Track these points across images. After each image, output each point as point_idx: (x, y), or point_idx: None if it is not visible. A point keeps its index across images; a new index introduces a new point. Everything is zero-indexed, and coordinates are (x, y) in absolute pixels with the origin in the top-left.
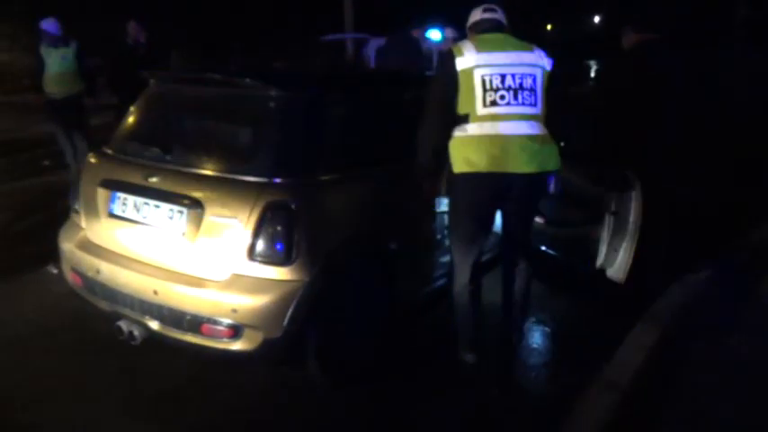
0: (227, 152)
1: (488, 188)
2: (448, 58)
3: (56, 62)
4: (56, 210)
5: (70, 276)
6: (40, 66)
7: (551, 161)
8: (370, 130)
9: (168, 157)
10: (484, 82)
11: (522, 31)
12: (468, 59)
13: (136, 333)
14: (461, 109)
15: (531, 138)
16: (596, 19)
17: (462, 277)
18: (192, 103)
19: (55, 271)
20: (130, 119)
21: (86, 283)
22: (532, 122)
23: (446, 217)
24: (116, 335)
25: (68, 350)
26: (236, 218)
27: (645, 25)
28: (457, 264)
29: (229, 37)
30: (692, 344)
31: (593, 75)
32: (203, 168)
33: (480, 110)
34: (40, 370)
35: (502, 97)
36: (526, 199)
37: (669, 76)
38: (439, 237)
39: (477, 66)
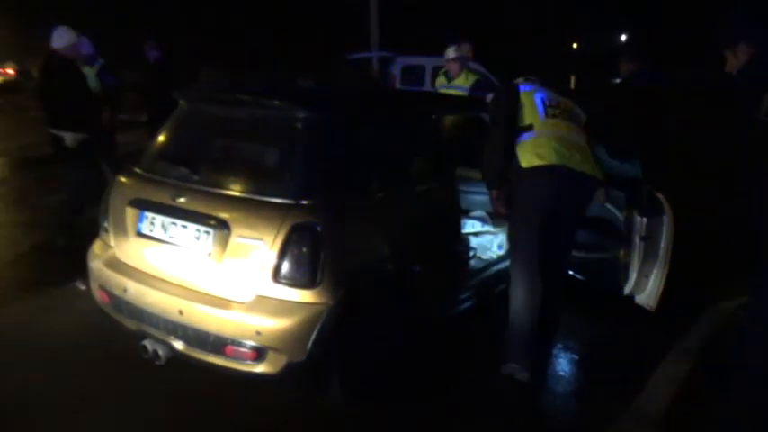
0: (255, 173)
1: (556, 180)
2: (512, 87)
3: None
4: (85, 226)
5: (98, 294)
6: None
7: (598, 171)
8: (396, 151)
9: (196, 177)
10: (543, 101)
11: (548, 49)
12: (527, 87)
13: (160, 352)
14: (525, 122)
15: (583, 145)
16: (623, 37)
17: (523, 293)
18: (220, 123)
19: (83, 287)
20: (160, 138)
21: (113, 301)
22: (581, 135)
23: (473, 238)
24: (141, 353)
25: (93, 368)
26: (261, 239)
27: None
28: (519, 276)
29: (257, 53)
30: (724, 376)
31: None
32: (230, 189)
33: (543, 119)
34: (65, 386)
35: (561, 113)
36: (577, 203)
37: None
38: (464, 259)
39: (536, 90)
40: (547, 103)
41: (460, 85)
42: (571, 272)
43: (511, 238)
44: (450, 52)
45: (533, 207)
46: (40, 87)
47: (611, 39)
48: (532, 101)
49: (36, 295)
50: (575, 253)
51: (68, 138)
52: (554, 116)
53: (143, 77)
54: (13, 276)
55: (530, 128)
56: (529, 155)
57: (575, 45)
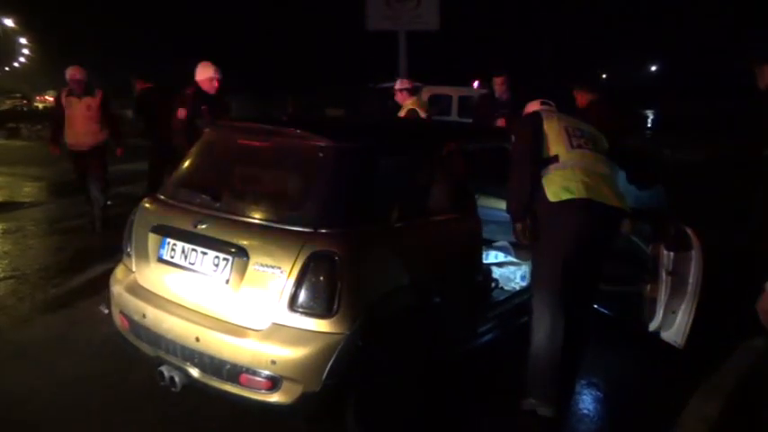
0: (275, 201)
1: (584, 214)
2: (535, 117)
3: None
4: (110, 250)
5: (118, 318)
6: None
7: (624, 201)
8: (417, 181)
9: (218, 205)
10: (567, 129)
11: (575, 79)
12: (550, 115)
13: (177, 379)
14: (551, 152)
15: (609, 175)
16: (653, 68)
17: (545, 327)
18: (243, 151)
19: (106, 311)
20: (184, 165)
21: (132, 326)
22: (607, 164)
23: (496, 269)
24: (158, 380)
25: (110, 395)
26: (279, 267)
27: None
28: (542, 309)
29: (285, 83)
30: (755, 415)
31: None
32: (250, 216)
33: (569, 149)
34: (81, 412)
35: (585, 142)
36: (605, 236)
37: None
38: (485, 291)
39: (560, 119)
40: (570, 131)
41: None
42: (597, 306)
43: (534, 271)
44: (397, 84)
45: (560, 241)
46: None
47: (640, 69)
48: (557, 130)
49: (62, 316)
50: (601, 286)
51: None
52: (579, 146)
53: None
54: (40, 296)
55: (555, 158)
56: (556, 187)
57: (603, 75)
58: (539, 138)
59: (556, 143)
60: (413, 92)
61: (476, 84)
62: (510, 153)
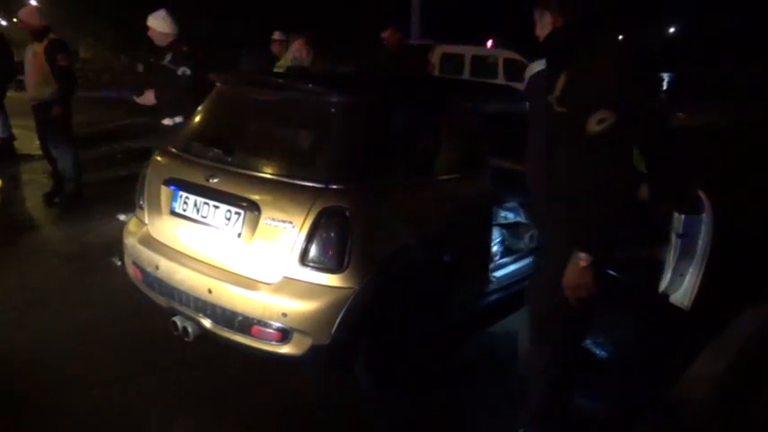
0: (287, 156)
1: None
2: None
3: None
4: (121, 202)
5: (131, 270)
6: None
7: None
8: (429, 139)
9: (230, 159)
10: None
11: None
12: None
13: (189, 330)
14: None
15: None
16: (671, 29)
17: None
18: (255, 106)
19: (119, 263)
20: (196, 119)
21: (146, 277)
22: None
23: (501, 230)
24: (171, 330)
25: (124, 341)
26: (291, 222)
27: None
28: None
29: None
30: (759, 377)
31: (665, 87)
32: (262, 171)
33: None
34: (96, 357)
35: None
36: None
37: None
38: (494, 250)
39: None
40: None
41: (281, 65)
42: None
43: None
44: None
45: None
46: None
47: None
48: None
49: (77, 269)
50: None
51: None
52: None
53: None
54: (54, 246)
55: None
56: None
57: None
58: None
59: None
60: (287, 44)
61: (489, 43)
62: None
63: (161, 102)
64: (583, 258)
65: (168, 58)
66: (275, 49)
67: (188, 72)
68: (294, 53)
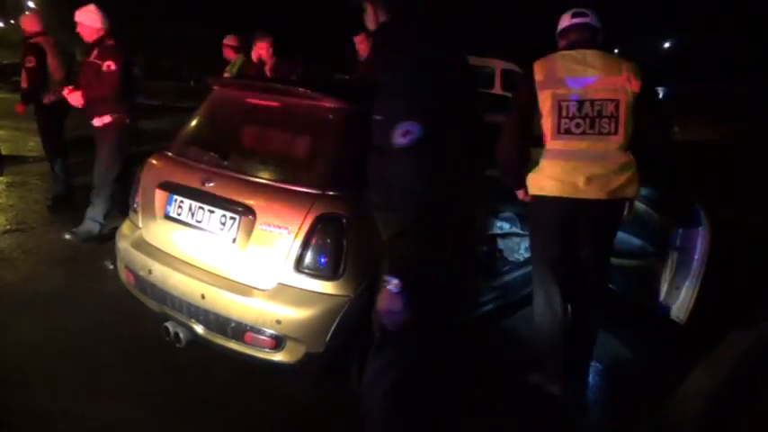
0: (283, 161)
1: (558, 212)
2: (525, 77)
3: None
4: (117, 206)
5: (124, 274)
6: None
7: (629, 189)
8: None
9: (225, 163)
10: (560, 108)
11: None
12: (547, 81)
13: (181, 335)
14: (537, 131)
15: (604, 167)
16: (666, 44)
17: (540, 303)
18: (252, 110)
19: (111, 267)
20: (193, 122)
21: (138, 282)
22: (610, 152)
23: (500, 240)
24: (163, 335)
25: (116, 346)
26: (286, 228)
27: None
28: (535, 287)
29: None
30: (752, 394)
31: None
32: (258, 176)
33: (555, 135)
34: (87, 363)
35: (577, 125)
36: (599, 227)
37: None
38: (488, 261)
39: (555, 90)
40: (565, 110)
41: (233, 71)
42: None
43: (530, 239)
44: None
45: (539, 235)
46: None
47: (654, 45)
48: (548, 106)
49: (69, 272)
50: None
51: None
52: (570, 132)
53: None
54: (45, 249)
55: (540, 140)
56: (533, 185)
57: (615, 50)
58: (530, 107)
59: (545, 120)
60: (239, 49)
61: None
62: None
63: (89, 101)
64: (393, 284)
65: (95, 53)
66: (227, 53)
67: (113, 67)
68: (259, 52)
